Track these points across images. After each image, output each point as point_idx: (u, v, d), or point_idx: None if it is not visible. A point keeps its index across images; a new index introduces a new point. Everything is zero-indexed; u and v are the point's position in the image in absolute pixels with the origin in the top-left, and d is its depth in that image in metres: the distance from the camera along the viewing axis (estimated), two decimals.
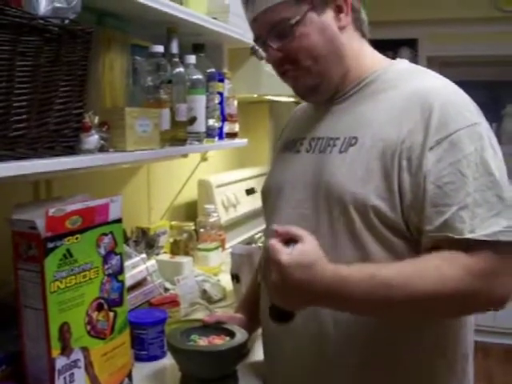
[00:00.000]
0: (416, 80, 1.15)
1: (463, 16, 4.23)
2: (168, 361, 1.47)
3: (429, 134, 1.07)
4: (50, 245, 1.09)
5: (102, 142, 1.36)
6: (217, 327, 1.39)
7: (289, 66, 1.22)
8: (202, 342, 1.34)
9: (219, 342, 1.34)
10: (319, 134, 1.23)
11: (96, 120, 1.36)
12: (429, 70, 1.21)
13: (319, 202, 1.16)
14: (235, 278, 1.78)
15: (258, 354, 1.42)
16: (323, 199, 1.15)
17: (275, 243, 1.03)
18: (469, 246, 1.01)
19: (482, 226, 1.00)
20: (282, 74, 1.25)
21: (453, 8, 4.23)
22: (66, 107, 1.21)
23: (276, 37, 1.19)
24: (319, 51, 1.18)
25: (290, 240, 1.04)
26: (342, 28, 1.19)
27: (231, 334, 1.35)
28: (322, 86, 1.22)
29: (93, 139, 1.32)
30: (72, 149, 1.26)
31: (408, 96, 1.11)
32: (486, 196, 1.02)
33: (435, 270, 1.01)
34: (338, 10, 1.19)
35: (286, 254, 1.01)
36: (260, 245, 2.32)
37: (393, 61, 1.25)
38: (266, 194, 1.36)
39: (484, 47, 4.33)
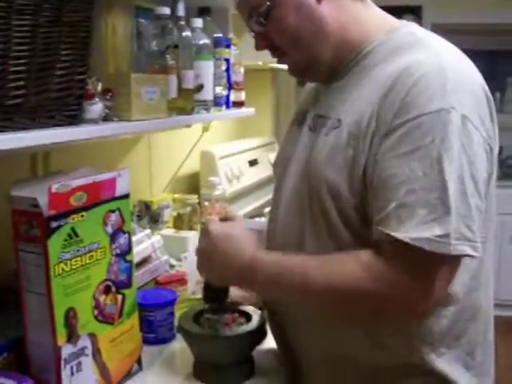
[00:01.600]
0: (406, 54, 1.02)
1: None
2: (178, 343, 1.39)
3: (391, 118, 0.96)
4: (54, 224, 1.00)
5: (106, 110, 1.26)
6: (230, 307, 1.30)
7: (276, 52, 1.14)
8: (216, 324, 1.26)
9: (234, 323, 1.25)
10: (319, 111, 1.14)
11: (99, 87, 1.25)
12: (430, 39, 1.06)
13: (304, 184, 1.10)
14: None
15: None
16: (306, 182, 1.09)
17: (212, 217, 1.20)
18: (392, 244, 0.94)
19: (415, 229, 0.91)
20: (277, 58, 1.17)
21: None
22: (67, 72, 1.10)
23: (256, 24, 1.10)
24: (297, 33, 1.08)
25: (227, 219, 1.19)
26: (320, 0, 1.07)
27: (246, 315, 1.27)
28: (313, 68, 1.13)
29: (96, 108, 1.22)
30: (74, 118, 1.16)
31: (390, 74, 1.00)
32: (429, 197, 0.91)
33: (338, 263, 1.00)
34: None
35: (214, 223, 1.14)
36: None
37: (397, 25, 1.11)
38: (275, 167, 1.32)
39: (491, 15, 4.21)
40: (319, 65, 1.11)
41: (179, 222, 2.15)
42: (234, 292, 1.27)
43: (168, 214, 2.13)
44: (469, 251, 0.92)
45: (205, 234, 1.13)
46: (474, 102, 0.97)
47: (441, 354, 1.04)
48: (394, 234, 0.92)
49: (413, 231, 0.91)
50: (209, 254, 1.12)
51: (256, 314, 1.26)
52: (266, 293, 1.16)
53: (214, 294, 1.21)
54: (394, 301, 0.96)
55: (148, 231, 1.74)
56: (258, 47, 1.15)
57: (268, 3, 1.06)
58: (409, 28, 1.10)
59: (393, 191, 0.94)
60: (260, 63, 2.53)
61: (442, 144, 0.92)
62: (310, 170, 1.08)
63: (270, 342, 1.28)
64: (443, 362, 1.04)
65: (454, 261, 0.95)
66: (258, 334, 1.23)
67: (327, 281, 0.98)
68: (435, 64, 0.98)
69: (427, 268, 0.94)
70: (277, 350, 1.28)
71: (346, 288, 0.97)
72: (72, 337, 1.05)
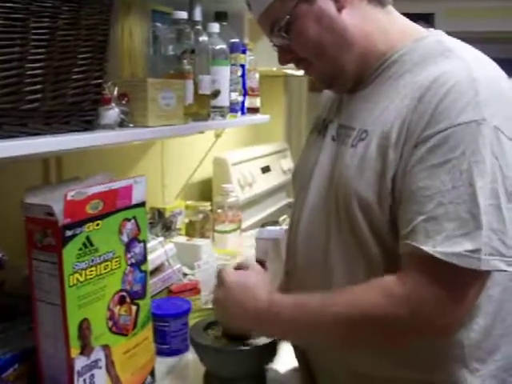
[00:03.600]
0: (435, 64, 0.98)
1: None
2: (191, 355, 1.35)
3: (421, 130, 0.93)
4: (69, 233, 0.97)
5: (121, 116, 1.23)
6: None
7: (301, 65, 1.12)
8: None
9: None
10: (343, 121, 1.11)
11: (115, 92, 1.23)
12: (460, 48, 1.02)
13: (330, 197, 1.07)
14: (260, 264, 1.65)
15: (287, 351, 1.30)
16: (333, 195, 1.06)
17: (226, 267, 1.20)
18: (419, 259, 0.91)
19: (444, 244, 0.88)
20: (303, 70, 1.15)
21: None
22: (84, 77, 1.08)
23: (278, 38, 1.08)
24: (320, 44, 1.05)
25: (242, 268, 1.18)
26: (341, 9, 1.04)
27: None
28: (339, 78, 1.10)
29: (112, 113, 1.19)
30: (90, 124, 1.13)
31: (420, 84, 0.96)
32: (459, 210, 0.88)
33: (358, 295, 0.97)
34: None
35: (229, 273, 1.14)
36: (285, 227, 2.19)
37: (424, 33, 1.07)
38: (296, 177, 1.28)
39: (504, 23, 4.16)
40: (345, 74, 1.08)
41: (191, 230, 2.12)
42: None
43: (180, 222, 2.10)
44: (503, 266, 0.88)
45: (220, 284, 1.13)
46: (507, 111, 0.94)
47: (475, 371, 1.00)
48: (422, 247, 0.89)
49: (440, 246, 0.88)
50: (225, 305, 1.12)
51: None
52: (286, 336, 1.13)
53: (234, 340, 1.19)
54: (421, 321, 0.92)
55: (161, 239, 1.71)
56: (282, 61, 1.13)
57: (288, 16, 1.04)
58: (437, 36, 1.06)
59: (421, 204, 0.91)
60: (274, 69, 2.50)
61: (473, 157, 0.89)
62: (337, 184, 1.04)
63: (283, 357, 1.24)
64: (477, 380, 1.00)
65: (485, 275, 0.92)
66: (269, 350, 1.19)
67: (350, 314, 0.96)
68: (466, 74, 0.94)
69: (458, 283, 0.90)
70: (295, 368, 1.25)
71: (369, 319, 0.94)
72: (85, 349, 1.02)
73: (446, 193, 0.89)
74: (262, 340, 1.18)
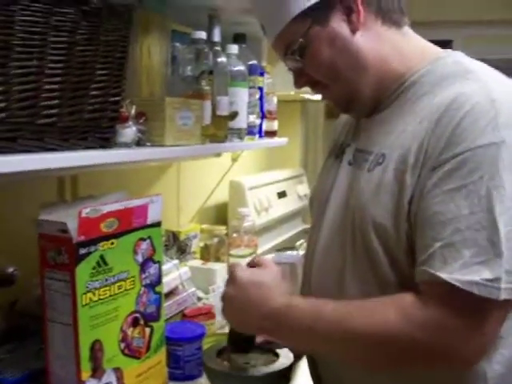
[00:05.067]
0: (454, 85, 0.95)
1: (501, 18, 4.05)
2: (205, 380, 1.32)
3: (439, 152, 0.90)
4: (83, 250, 0.94)
5: (138, 134, 1.22)
6: (261, 346, 1.23)
7: (316, 88, 1.10)
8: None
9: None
10: (360, 145, 1.08)
11: (133, 110, 1.21)
12: (479, 69, 0.99)
13: (346, 222, 1.03)
14: None
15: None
16: (349, 220, 1.02)
17: (240, 263, 1.16)
18: (436, 286, 0.87)
19: (461, 272, 0.84)
20: (319, 94, 1.13)
21: (490, 9, 4.05)
22: (102, 93, 1.06)
23: (292, 61, 1.07)
24: (334, 67, 1.03)
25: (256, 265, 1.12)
26: (355, 30, 1.02)
27: (275, 355, 1.20)
28: (355, 102, 1.07)
29: (130, 131, 1.18)
30: (107, 141, 1.11)
31: (438, 106, 0.93)
32: (477, 237, 0.84)
33: (378, 311, 0.92)
34: (348, 12, 1.01)
35: (243, 270, 1.08)
36: (302, 252, 2.16)
37: (442, 54, 1.04)
38: (312, 202, 1.25)
39: None
40: (361, 97, 1.06)
41: (206, 253, 2.10)
42: None
43: (195, 245, 2.07)
44: None
45: (231, 280, 1.08)
46: None
47: None
48: (439, 274, 0.86)
49: (458, 273, 0.84)
50: (235, 303, 1.07)
51: (285, 356, 1.19)
52: (296, 343, 1.07)
53: (240, 343, 1.15)
54: (437, 348, 0.88)
55: (176, 261, 1.69)
56: (297, 85, 1.11)
57: (301, 39, 1.03)
58: (455, 57, 1.03)
59: (438, 230, 0.87)
60: (292, 93, 2.50)
61: (492, 181, 0.85)
62: (353, 209, 1.01)
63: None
64: None
65: (506, 305, 0.87)
66: (282, 376, 1.16)
67: (366, 330, 0.91)
68: (485, 96, 0.91)
69: (477, 312, 0.86)
70: None
71: (384, 337, 0.90)
72: (97, 371, 0.99)
73: (462, 218, 0.85)
74: (275, 366, 1.15)
